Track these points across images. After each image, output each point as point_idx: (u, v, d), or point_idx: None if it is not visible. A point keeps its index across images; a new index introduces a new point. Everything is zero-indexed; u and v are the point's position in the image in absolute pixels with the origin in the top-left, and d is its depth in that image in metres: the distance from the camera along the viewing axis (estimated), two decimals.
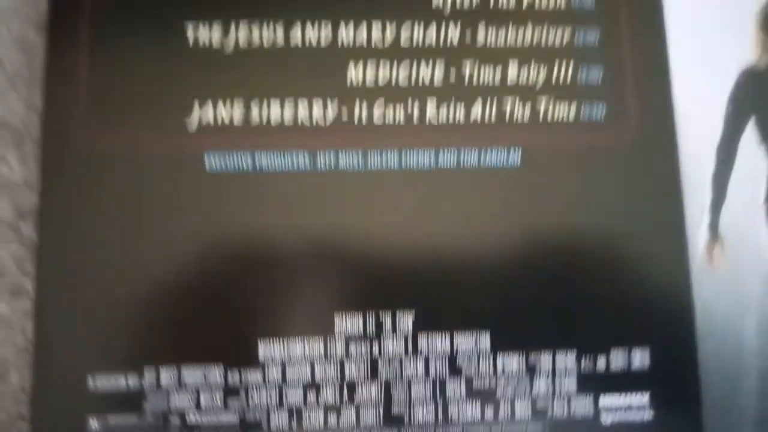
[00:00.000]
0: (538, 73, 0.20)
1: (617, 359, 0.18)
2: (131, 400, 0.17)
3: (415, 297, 0.18)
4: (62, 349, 0.17)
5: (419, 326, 0.18)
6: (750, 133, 0.20)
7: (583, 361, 0.18)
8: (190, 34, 0.19)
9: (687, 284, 0.19)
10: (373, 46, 0.19)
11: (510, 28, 0.20)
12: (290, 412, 0.18)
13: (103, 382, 0.17)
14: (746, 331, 0.19)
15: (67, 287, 0.18)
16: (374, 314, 0.18)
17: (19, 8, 0.20)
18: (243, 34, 0.19)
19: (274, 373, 0.18)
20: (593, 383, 0.18)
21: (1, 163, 0.19)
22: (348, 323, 0.18)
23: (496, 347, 0.18)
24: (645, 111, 0.20)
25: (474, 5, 0.20)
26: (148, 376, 0.18)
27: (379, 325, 0.18)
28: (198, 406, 0.18)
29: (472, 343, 0.18)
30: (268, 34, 0.19)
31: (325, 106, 0.19)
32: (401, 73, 0.19)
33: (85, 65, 0.19)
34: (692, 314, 0.19)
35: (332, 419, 0.18)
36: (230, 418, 0.18)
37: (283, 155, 0.19)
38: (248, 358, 0.18)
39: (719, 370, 0.19)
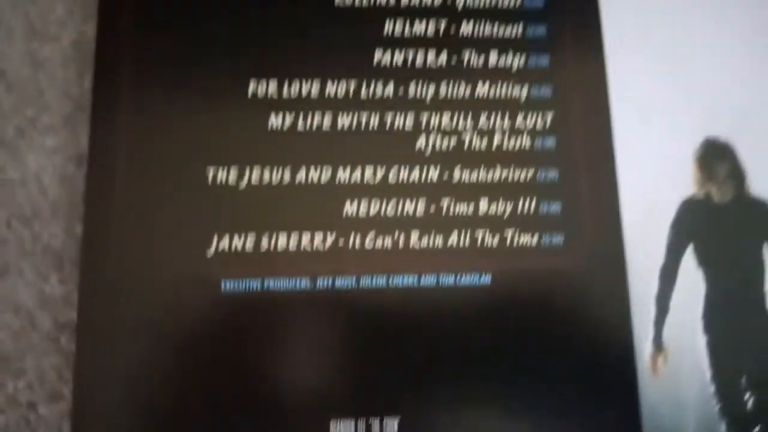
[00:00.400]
0: (506, 206, 0.23)
1: None
2: None
3: (400, 403, 0.21)
4: None
5: (406, 427, 0.21)
6: (690, 257, 0.24)
7: None
8: (210, 174, 0.22)
9: (634, 390, 0.22)
10: (365, 184, 0.23)
11: (481, 168, 0.23)
12: None
13: None
14: (685, 427, 0.22)
15: (100, 392, 0.21)
16: (365, 420, 0.21)
17: (61, 146, 0.24)
18: (256, 175, 0.22)
19: None
20: None
21: (44, 282, 0.22)
22: (342, 429, 0.21)
23: None
24: (598, 239, 0.23)
25: (450, 147, 0.23)
26: None
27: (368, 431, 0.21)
28: None
29: None
30: (277, 175, 0.22)
31: (324, 236, 0.22)
32: (389, 208, 0.23)
33: (121, 201, 0.22)
34: (639, 417, 0.22)
35: None
36: None
37: (288, 279, 0.22)
38: None
39: None
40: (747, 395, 0.23)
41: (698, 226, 0.24)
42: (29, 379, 0.22)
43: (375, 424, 0.21)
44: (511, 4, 0.25)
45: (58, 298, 0.22)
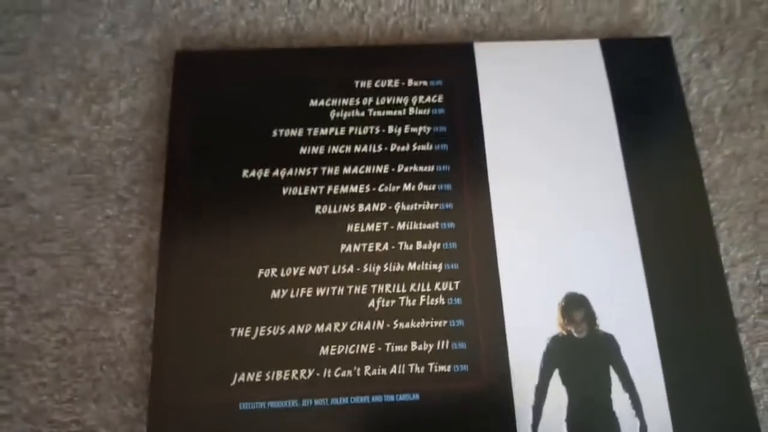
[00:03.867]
0: (428, 346, 0.35)
1: None
2: None
3: None
4: None
5: None
6: (556, 378, 0.35)
7: None
8: (232, 331, 0.35)
9: None
10: (334, 333, 0.35)
11: (411, 320, 0.35)
12: None
13: None
14: None
15: None
16: None
17: (136, 314, 0.36)
18: (262, 330, 0.35)
19: None
20: None
21: (124, 406, 0.34)
22: None
23: None
24: (492, 368, 0.34)
25: (391, 305, 0.35)
26: None
27: None
28: None
29: None
30: (276, 330, 0.35)
31: (307, 371, 0.34)
32: (350, 349, 0.34)
33: (173, 353, 0.34)
34: None
35: None
36: None
37: (283, 402, 0.33)
38: None
39: None
40: None
41: (562, 355, 0.35)
42: None
43: None
44: (430, 208, 0.37)
45: (133, 417, 0.34)
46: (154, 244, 0.37)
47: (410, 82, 0.40)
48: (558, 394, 0.34)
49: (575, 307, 0.36)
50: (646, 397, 0.34)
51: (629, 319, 0.36)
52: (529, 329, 0.35)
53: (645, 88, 0.41)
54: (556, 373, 0.34)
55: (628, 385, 0.34)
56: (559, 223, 0.37)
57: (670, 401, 0.34)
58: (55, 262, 0.36)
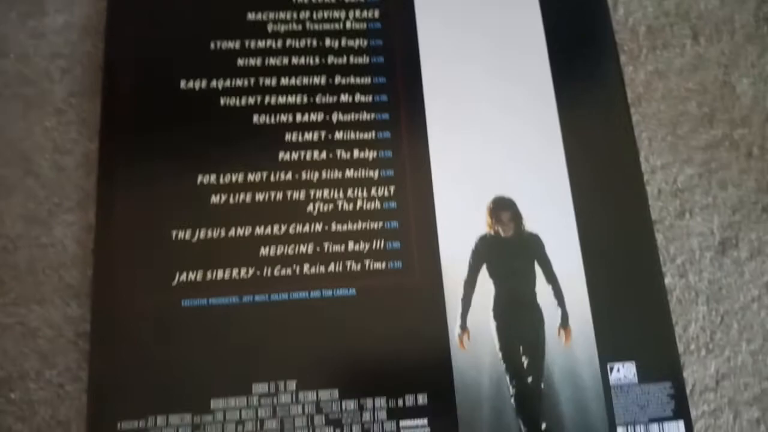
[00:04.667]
0: (365, 246, 0.36)
1: (409, 400, 0.34)
2: None
3: (296, 370, 0.34)
4: None
5: (302, 387, 0.34)
6: (484, 272, 0.37)
7: (390, 401, 0.34)
8: (173, 234, 0.36)
9: (448, 358, 0.35)
10: (273, 235, 0.36)
11: (348, 222, 0.37)
12: None
13: None
14: (483, 378, 0.35)
15: (109, 375, 0.33)
16: (275, 383, 0.34)
17: (77, 221, 0.37)
18: (202, 233, 0.36)
19: None
20: (396, 413, 0.34)
21: (67, 307, 0.35)
22: (259, 389, 0.34)
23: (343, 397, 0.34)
24: (424, 264, 0.36)
25: (329, 210, 0.37)
26: None
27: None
28: None
29: (328, 395, 0.34)
30: (216, 233, 0.36)
31: (247, 270, 0.35)
32: (289, 250, 0.36)
33: (117, 254, 0.35)
34: (451, 374, 0.35)
35: None
36: None
37: (223, 298, 0.35)
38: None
39: (469, 399, 0.34)
40: (523, 358, 0.36)
41: (490, 252, 0.37)
42: (60, 370, 0.34)
43: (281, 385, 0.34)
44: (367, 118, 0.39)
45: (77, 317, 0.35)
46: (93, 154, 0.37)
47: None
48: (485, 288, 0.36)
49: (503, 208, 0.38)
50: (568, 289, 0.37)
51: (554, 221, 0.38)
52: (459, 229, 0.37)
53: (575, 8, 0.42)
54: (484, 268, 0.37)
55: (551, 279, 0.37)
56: (490, 132, 0.39)
57: (590, 293, 0.37)
58: None
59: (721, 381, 0.38)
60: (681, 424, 0.35)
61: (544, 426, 0.34)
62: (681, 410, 0.35)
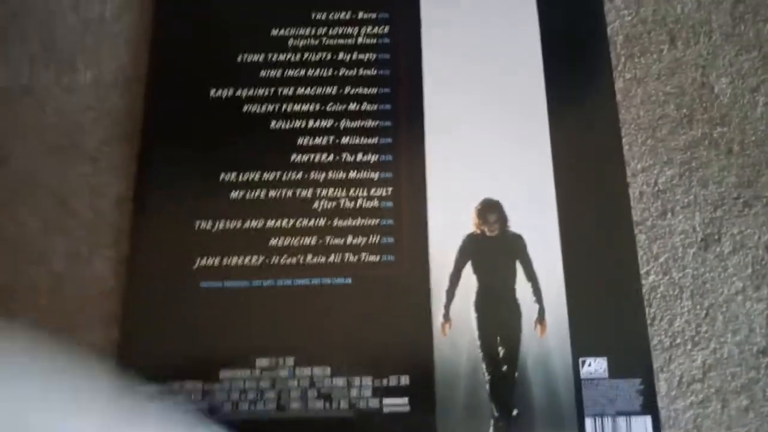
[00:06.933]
0: (362, 240, 0.41)
1: (392, 381, 0.39)
2: None
3: (296, 347, 0.39)
4: None
5: (299, 363, 0.39)
6: (468, 268, 0.41)
7: (375, 381, 0.39)
8: (196, 224, 0.41)
9: (430, 344, 0.39)
10: (283, 228, 0.41)
11: (349, 219, 0.41)
12: None
13: None
14: (462, 365, 0.39)
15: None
16: (276, 358, 0.39)
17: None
18: (222, 224, 0.41)
19: None
20: (380, 392, 0.38)
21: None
22: (264, 363, 0.39)
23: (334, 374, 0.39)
24: (414, 259, 0.41)
25: (332, 207, 0.41)
26: None
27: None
28: None
29: (321, 371, 0.39)
30: (233, 224, 0.41)
31: (258, 257, 0.41)
32: (295, 241, 0.41)
33: (147, 237, 0.41)
34: (433, 359, 0.39)
35: None
36: None
37: (237, 281, 0.40)
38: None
39: (447, 383, 0.39)
40: (499, 348, 0.39)
41: (475, 250, 0.41)
42: None
43: (281, 360, 0.39)
44: (372, 125, 0.43)
45: (109, 290, 0.41)
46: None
47: (360, 14, 0.45)
48: (469, 282, 0.40)
49: (489, 210, 0.41)
50: (546, 287, 0.40)
51: (537, 223, 0.41)
52: (448, 228, 0.41)
53: (571, 18, 0.45)
54: (469, 264, 0.41)
55: (531, 277, 0.40)
56: (482, 139, 0.43)
57: (567, 291, 0.40)
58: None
59: (708, 372, 0.40)
60: (648, 419, 0.38)
61: (515, 412, 0.38)
62: (649, 406, 0.38)
